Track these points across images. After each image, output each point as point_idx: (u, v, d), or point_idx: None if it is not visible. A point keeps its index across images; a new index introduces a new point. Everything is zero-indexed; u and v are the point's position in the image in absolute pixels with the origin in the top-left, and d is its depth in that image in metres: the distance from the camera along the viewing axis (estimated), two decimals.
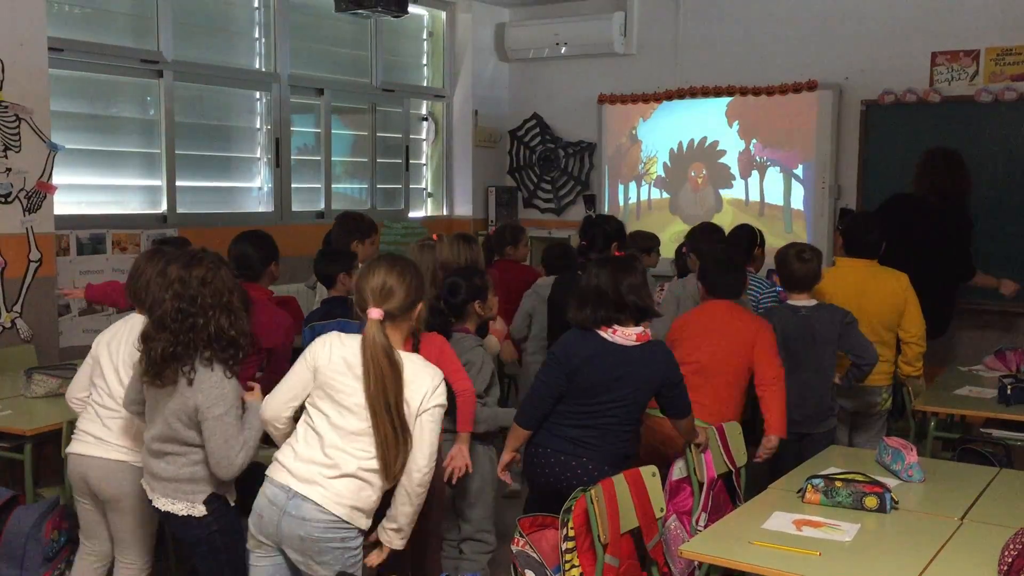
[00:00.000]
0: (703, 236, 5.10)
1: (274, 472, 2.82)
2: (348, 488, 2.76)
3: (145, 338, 2.93)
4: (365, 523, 2.82)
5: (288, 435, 2.88)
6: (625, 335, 3.36)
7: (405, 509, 2.82)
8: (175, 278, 2.90)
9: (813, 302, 4.25)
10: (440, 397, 2.80)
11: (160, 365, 2.87)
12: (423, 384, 2.78)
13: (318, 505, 2.73)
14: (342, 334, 2.84)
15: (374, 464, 2.75)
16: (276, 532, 2.77)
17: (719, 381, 3.95)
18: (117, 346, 3.30)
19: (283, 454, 2.83)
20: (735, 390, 4.01)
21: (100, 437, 3.26)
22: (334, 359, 2.78)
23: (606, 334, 3.37)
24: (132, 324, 3.29)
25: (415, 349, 3.28)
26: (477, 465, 3.74)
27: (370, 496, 2.79)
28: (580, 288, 3.47)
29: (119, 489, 3.24)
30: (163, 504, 3.03)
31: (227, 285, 2.95)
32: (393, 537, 2.86)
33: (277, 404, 2.88)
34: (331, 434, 2.76)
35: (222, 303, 2.91)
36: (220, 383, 2.91)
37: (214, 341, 2.89)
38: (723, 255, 4.30)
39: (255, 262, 4.12)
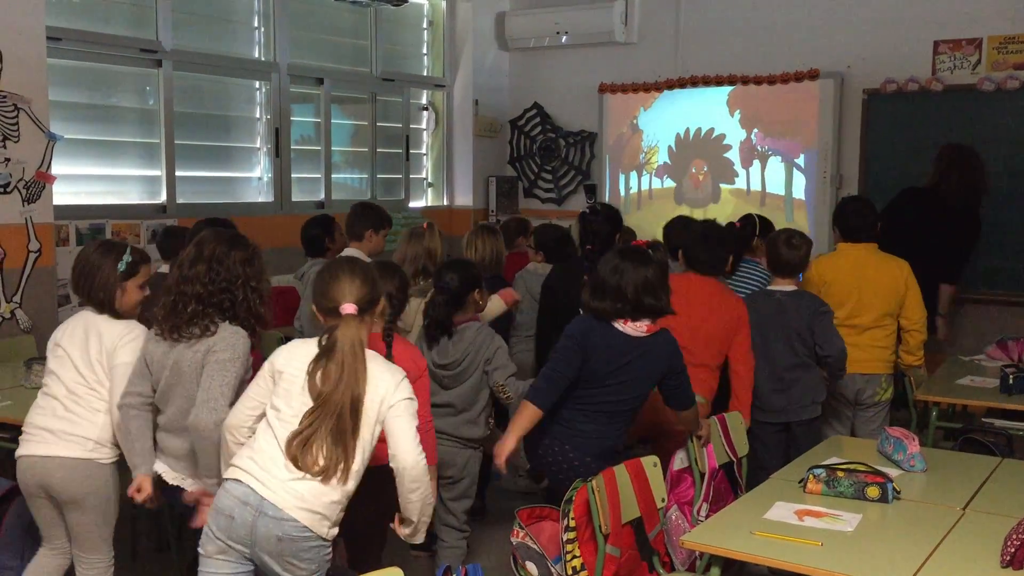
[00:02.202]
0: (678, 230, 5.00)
1: (235, 474, 2.64)
2: (310, 491, 2.60)
3: (167, 290, 3.00)
4: (328, 531, 2.65)
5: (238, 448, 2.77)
6: (636, 327, 3.35)
7: (410, 507, 2.73)
8: (214, 251, 2.99)
9: (791, 288, 4.24)
10: (404, 391, 2.68)
11: (189, 316, 2.93)
12: (384, 381, 2.67)
13: (279, 509, 2.58)
14: (307, 340, 2.74)
15: (339, 467, 2.63)
16: (250, 534, 2.57)
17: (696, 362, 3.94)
18: (71, 339, 3.19)
19: (240, 459, 2.68)
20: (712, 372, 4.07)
21: (53, 432, 3.11)
22: (296, 359, 2.68)
23: (618, 324, 3.37)
24: (87, 319, 3.21)
25: (388, 354, 3.25)
26: (468, 467, 3.87)
27: (334, 502, 2.64)
28: (599, 278, 3.39)
29: (84, 488, 3.11)
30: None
31: (262, 272, 3.07)
32: (409, 534, 2.78)
33: (240, 412, 2.76)
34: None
35: (256, 287, 3.02)
36: (237, 334, 2.97)
37: (242, 312, 3.00)
38: (709, 230, 4.26)
39: None
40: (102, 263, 3.14)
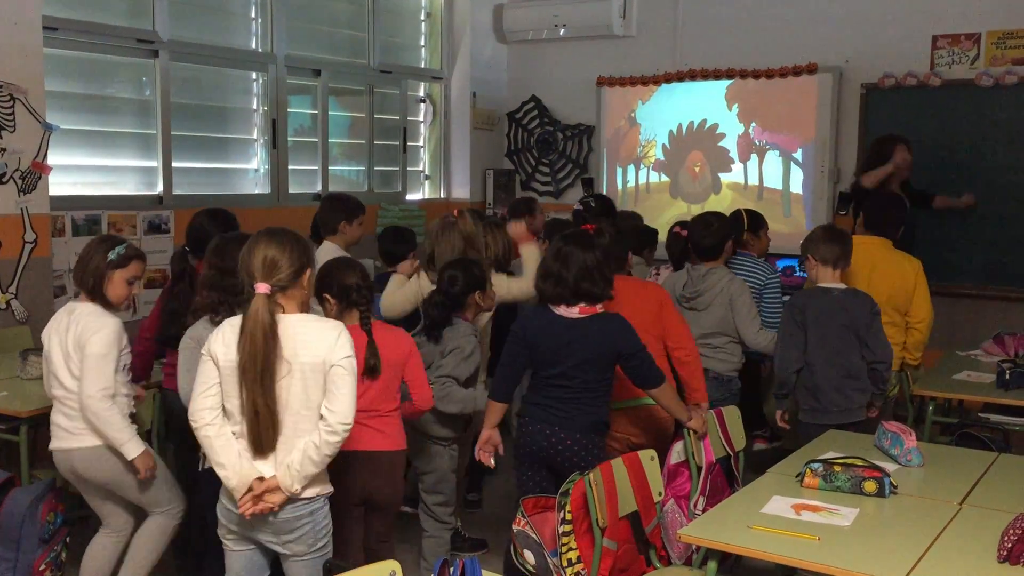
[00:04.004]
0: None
1: (222, 472, 2.80)
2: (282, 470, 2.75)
3: (208, 287, 3.24)
4: (319, 490, 2.80)
5: (215, 439, 2.77)
6: (568, 310, 3.48)
7: (310, 456, 2.70)
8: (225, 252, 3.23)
9: (843, 285, 4.12)
10: (343, 349, 2.73)
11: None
12: (324, 338, 2.73)
13: None
14: (235, 319, 2.76)
15: (302, 425, 2.73)
16: (246, 520, 2.77)
17: None
18: (55, 333, 3.35)
19: (225, 457, 2.80)
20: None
21: (67, 429, 3.33)
22: (230, 345, 2.72)
23: (554, 307, 3.51)
24: (71, 310, 3.34)
25: (371, 342, 3.29)
26: (435, 462, 3.91)
27: (312, 459, 2.71)
28: (546, 263, 3.54)
29: (107, 471, 3.34)
30: None
31: None
32: (289, 480, 2.72)
33: (198, 398, 2.77)
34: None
35: None
36: None
37: None
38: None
39: (209, 237, 3.93)
40: (96, 252, 3.34)
